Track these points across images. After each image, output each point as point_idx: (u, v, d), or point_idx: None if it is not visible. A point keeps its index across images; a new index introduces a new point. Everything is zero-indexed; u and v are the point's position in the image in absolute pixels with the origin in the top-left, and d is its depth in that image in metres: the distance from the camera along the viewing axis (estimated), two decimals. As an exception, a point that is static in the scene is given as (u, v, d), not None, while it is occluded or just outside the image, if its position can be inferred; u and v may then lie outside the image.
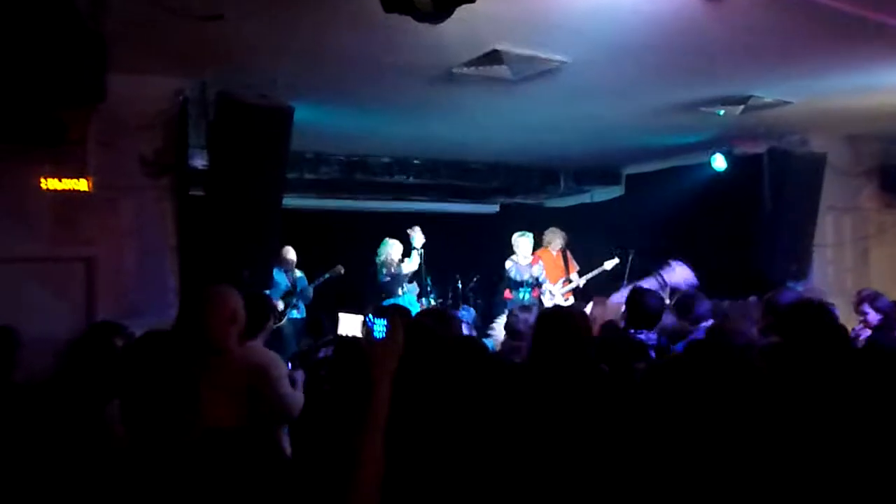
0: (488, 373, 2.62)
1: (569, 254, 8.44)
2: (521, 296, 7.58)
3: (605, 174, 9.30)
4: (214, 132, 4.90)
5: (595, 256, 8.03)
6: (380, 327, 2.11)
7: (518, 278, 7.59)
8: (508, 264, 7.68)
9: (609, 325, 3.72)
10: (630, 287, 4.82)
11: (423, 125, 6.62)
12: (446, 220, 10.06)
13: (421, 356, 2.58)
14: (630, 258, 7.61)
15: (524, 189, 9.63)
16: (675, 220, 7.99)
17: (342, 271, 7.40)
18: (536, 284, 7.66)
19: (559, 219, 9.01)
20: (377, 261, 7.50)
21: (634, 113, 6.16)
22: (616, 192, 9.37)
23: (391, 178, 8.19)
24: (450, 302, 8.96)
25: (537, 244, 8.00)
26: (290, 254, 7.48)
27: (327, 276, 7.44)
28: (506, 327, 4.31)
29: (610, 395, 2.71)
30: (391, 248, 7.45)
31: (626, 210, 8.95)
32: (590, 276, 7.82)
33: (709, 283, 5.61)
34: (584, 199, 9.85)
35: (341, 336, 2.54)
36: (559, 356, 2.80)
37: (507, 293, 7.68)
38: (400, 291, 7.40)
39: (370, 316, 2.11)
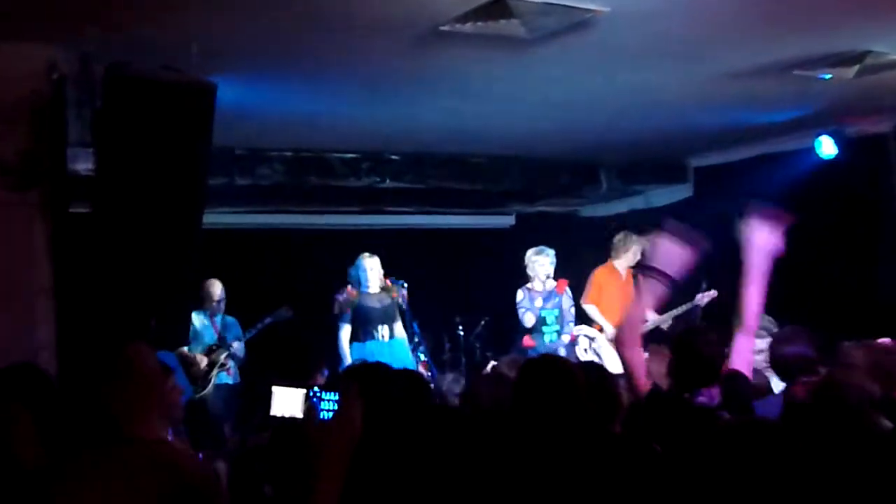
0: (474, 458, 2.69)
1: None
2: (545, 339, 7.56)
3: (665, 168, 9.37)
4: (103, 123, 4.86)
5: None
6: (329, 404, 2.09)
7: (533, 313, 7.59)
8: (520, 295, 7.69)
9: (654, 393, 3.65)
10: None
11: (403, 106, 6.63)
12: (439, 240, 10.15)
13: (384, 441, 2.58)
14: (704, 285, 7.61)
15: (550, 192, 9.70)
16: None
17: (289, 314, 7.38)
18: (560, 324, 7.67)
19: (600, 232, 9.02)
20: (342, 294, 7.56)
21: (703, 81, 6.17)
22: (681, 192, 9.43)
23: (359, 182, 8.26)
24: (446, 356, 8.95)
25: (573, 264, 8.07)
26: (216, 290, 7.45)
27: (268, 321, 7.41)
28: (465, 398, 4.27)
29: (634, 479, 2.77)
30: (368, 267, 7.49)
31: (696, 217, 8.94)
32: (677, 312, 7.66)
33: (818, 317, 5.58)
34: (636, 203, 9.93)
35: (275, 418, 2.52)
36: (548, 425, 2.90)
37: (525, 339, 7.67)
38: (381, 333, 7.44)
39: (315, 390, 2.08)
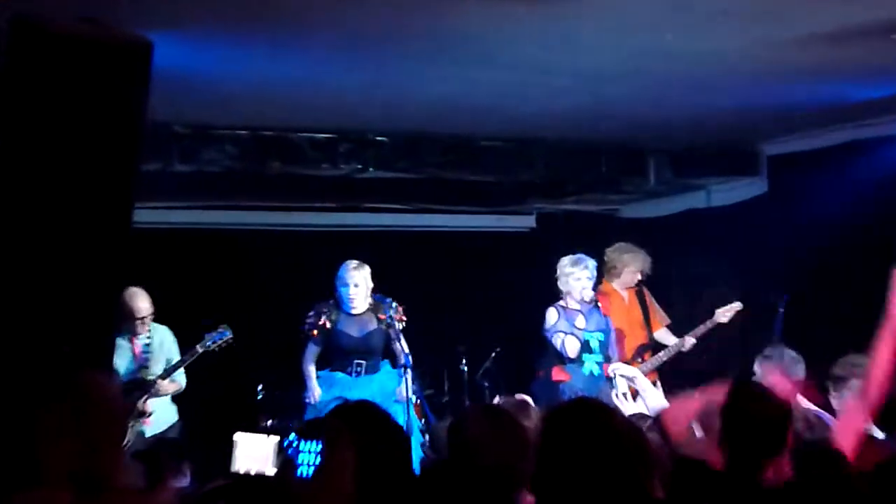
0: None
1: (648, 294, 8.56)
2: (585, 370, 7.56)
3: (731, 156, 9.40)
4: (3, 90, 4.88)
5: (708, 303, 8.16)
6: (310, 456, 2.10)
7: (577, 338, 7.58)
8: (552, 316, 7.71)
9: (685, 463, 3.64)
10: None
11: (394, 72, 6.65)
12: (438, 247, 10.19)
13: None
14: (781, 310, 7.62)
15: (582, 185, 9.72)
16: (862, 235, 8.02)
17: (228, 337, 7.35)
18: (606, 352, 7.71)
19: (647, 237, 9.03)
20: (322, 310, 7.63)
21: (781, 44, 6.18)
22: (752, 187, 9.46)
23: (335, 170, 8.27)
24: (446, 398, 8.94)
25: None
26: (142, 304, 7.40)
27: (208, 345, 7.36)
28: (455, 448, 4.19)
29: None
30: (352, 281, 7.53)
31: (770, 219, 9.02)
32: (700, 332, 8.01)
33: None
34: (694, 201, 9.97)
35: (239, 476, 2.53)
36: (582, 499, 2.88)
37: (556, 372, 7.67)
38: (356, 368, 7.50)
39: (292, 437, 2.09)
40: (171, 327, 7.56)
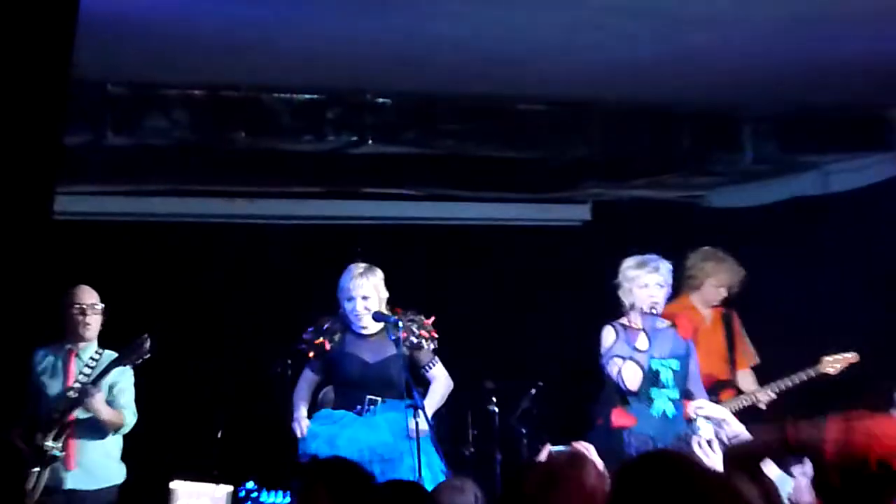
0: None
1: (738, 321, 8.60)
2: (655, 410, 7.52)
3: (855, 125, 9.39)
4: None
5: (818, 332, 8.18)
6: None
7: (638, 365, 7.58)
8: (608, 337, 7.67)
9: None
10: None
11: (399, 11, 6.70)
12: (461, 246, 10.26)
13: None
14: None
15: (655, 164, 9.76)
16: None
17: (145, 349, 7.37)
18: (683, 385, 7.73)
19: (741, 233, 9.02)
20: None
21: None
22: (881, 167, 9.48)
23: (320, 144, 8.35)
24: (470, 450, 8.97)
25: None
26: (83, 293, 7.47)
27: (118, 364, 7.40)
28: None
29: None
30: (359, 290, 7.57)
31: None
32: (791, 383, 8.07)
33: None
34: (805, 185, 10.00)
35: None
36: None
37: (616, 415, 7.64)
38: (367, 405, 7.53)
39: (251, 486, 2.16)
40: (106, 347, 7.61)
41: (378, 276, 7.53)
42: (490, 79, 8.12)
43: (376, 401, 7.51)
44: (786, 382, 8.08)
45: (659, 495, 3.02)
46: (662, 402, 7.59)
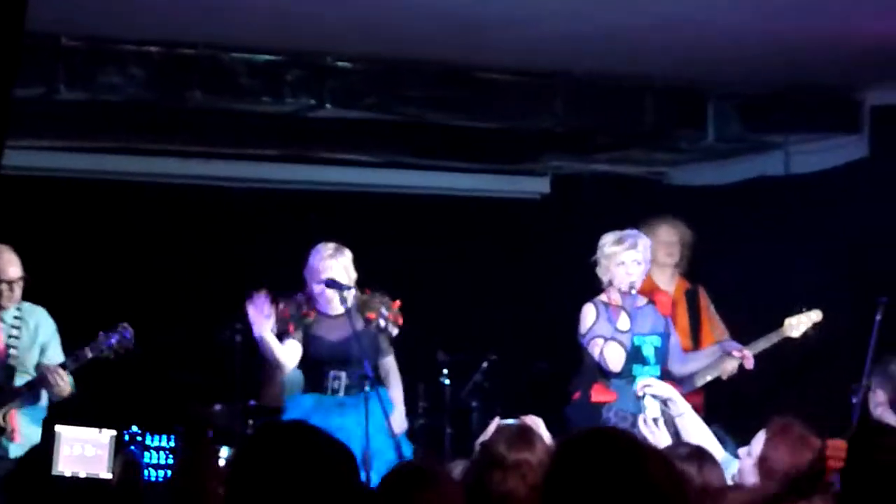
0: None
1: (704, 296, 8.61)
2: (636, 387, 7.51)
3: (822, 105, 9.42)
4: None
5: (782, 305, 8.19)
6: (159, 455, 2.09)
7: (621, 344, 7.60)
8: (588, 316, 7.66)
9: None
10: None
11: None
12: (418, 215, 10.23)
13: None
14: (878, 316, 7.68)
15: (618, 137, 9.77)
16: None
17: (129, 341, 7.31)
18: (664, 363, 7.74)
19: (703, 211, 9.01)
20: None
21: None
22: (849, 148, 9.48)
23: (279, 105, 8.34)
24: (419, 422, 8.97)
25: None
26: (7, 264, 7.37)
27: (102, 349, 7.30)
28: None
29: None
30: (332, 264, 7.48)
31: (872, 192, 9.02)
32: (766, 343, 8.02)
33: None
34: (768, 165, 10.01)
35: (63, 481, 2.55)
36: None
37: (596, 390, 7.64)
38: (333, 383, 7.52)
39: (134, 430, 2.08)
40: (54, 306, 7.52)
41: (347, 256, 7.48)
42: (454, 46, 8.10)
43: (340, 376, 7.49)
44: (750, 350, 7.93)
45: (599, 471, 2.99)
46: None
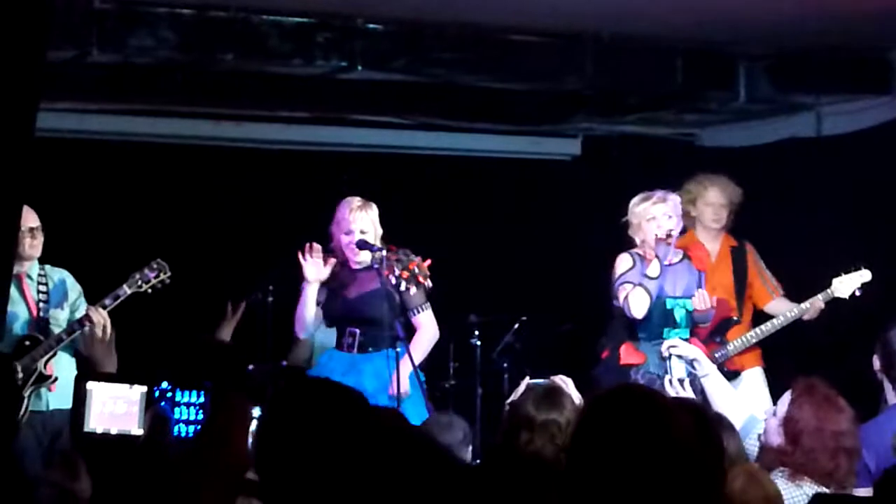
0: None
1: (753, 253, 8.60)
2: (666, 352, 7.46)
3: (853, 65, 9.40)
4: None
5: (818, 269, 8.19)
6: (189, 410, 2.16)
7: (647, 291, 7.59)
8: (623, 263, 7.69)
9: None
10: None
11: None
12: (448, 177, 10.27)
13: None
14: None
15: (647, 99, 9.77)
16: None
17: (165, 275, 7.37)
18: (694, 325, 7.74)
19: (733, 173, 9.05)
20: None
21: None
22: (881, 110, 9.47)
23: (309, 68, 8.34)
24: (451, 383, 9.02)
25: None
26: (28, 224, 7.43)
27: (139, 284, 7.36)
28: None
29: None
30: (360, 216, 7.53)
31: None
32: (803, 310, 8.03)
33: None
34: (799, 126, 10.01)
35: (94, 437, 2.60)
36: None
37: (626, 351, 7.63)
38: (349, 339, 7.56)
39: (165, 385, 2.15)
40: (86, 268, 7.62)
41: (374, 211, 7.54)
42: (483, 8, 8.11)
43: (355, 332, 7.53)
44: (792, 310, 8.02)
45: (626, 427, 2.98)
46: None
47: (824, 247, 8.76)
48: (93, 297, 7.45)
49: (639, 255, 7.69)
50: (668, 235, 7.57)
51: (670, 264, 7.69)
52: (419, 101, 9.43)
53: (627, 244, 7.79)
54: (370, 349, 7.52)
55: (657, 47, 8.98)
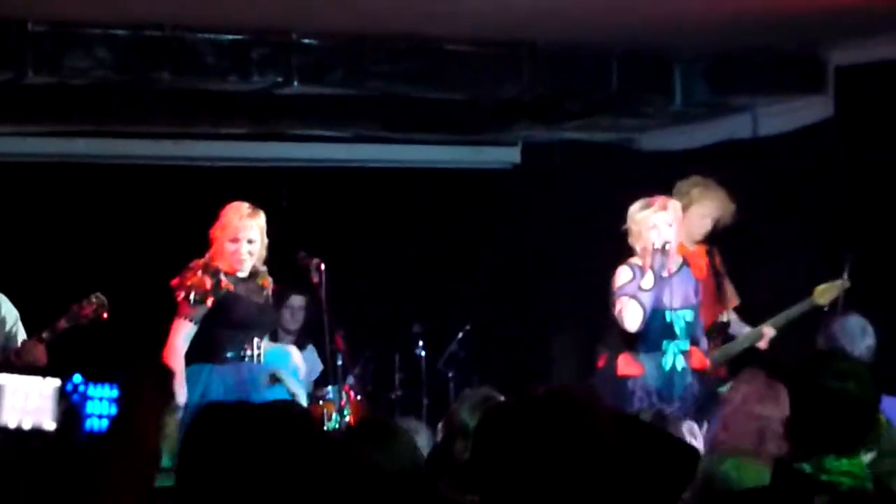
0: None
1: (718, 259, 8.56)
2: (665, 362, 7.38)
3: (787, 66, 9.47)
4: None
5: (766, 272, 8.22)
6: (101, 404, 2.18)
7: (641, 304, 7.46)
8: (622, 275, 7.57)
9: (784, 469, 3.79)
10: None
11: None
12: (387, 188, 10.30)
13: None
14: (845, 274, 7.82)
15: (585, 105, 9.77)
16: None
17: (103, 304, 7.41)
18: (693, 334, 7.73)
19: (672, 175, 9.14)
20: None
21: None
22: (814, 109, 9.52)
23: (246, 83, 8.36)
24: (396, 393, 9.05)
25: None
26: None
27: (63, 324, 7.35)
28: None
29: None
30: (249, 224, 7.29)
31: (838, 152, 9.11)
32: (789, 316, 8.05)
33: None
34: (736, 128, 10.09)
35: (4, 431, 2.63)
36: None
37: (623, 362, 7.63)
38: (254, 349, 7.40)
39: (77, 379, 2.17)
40: (19, 294, 7.57)
41: (263, 219, 7.24)
42: (419, 18, 8.14)
43: (261, 342, 7.31)
44: (777, 321, 8.02)
45: (557, 434, 2.84)
46: (673, 353, 7.53)
47: (763, 247, 8.84)
48: (30, 321, 7.41)
49: (638, 266, 7.54)
50: (666, 245, 7.45)
51: (670, 274, 7.57)
52: (357, 113, 9.47)
53: (626, 252, 7.65)
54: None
55: (593, 53, 9.02)
